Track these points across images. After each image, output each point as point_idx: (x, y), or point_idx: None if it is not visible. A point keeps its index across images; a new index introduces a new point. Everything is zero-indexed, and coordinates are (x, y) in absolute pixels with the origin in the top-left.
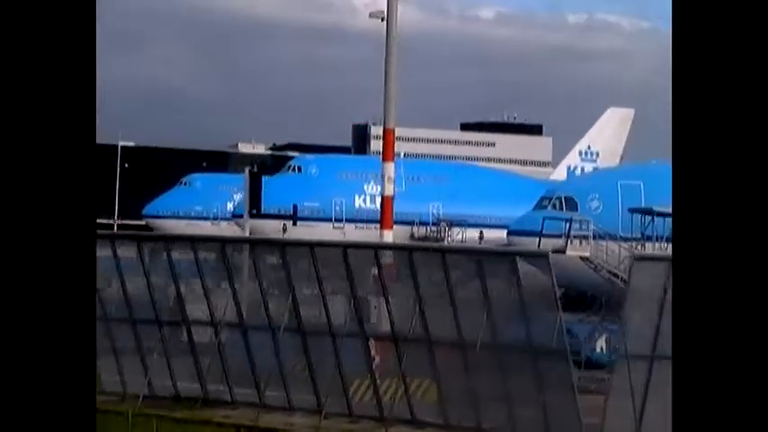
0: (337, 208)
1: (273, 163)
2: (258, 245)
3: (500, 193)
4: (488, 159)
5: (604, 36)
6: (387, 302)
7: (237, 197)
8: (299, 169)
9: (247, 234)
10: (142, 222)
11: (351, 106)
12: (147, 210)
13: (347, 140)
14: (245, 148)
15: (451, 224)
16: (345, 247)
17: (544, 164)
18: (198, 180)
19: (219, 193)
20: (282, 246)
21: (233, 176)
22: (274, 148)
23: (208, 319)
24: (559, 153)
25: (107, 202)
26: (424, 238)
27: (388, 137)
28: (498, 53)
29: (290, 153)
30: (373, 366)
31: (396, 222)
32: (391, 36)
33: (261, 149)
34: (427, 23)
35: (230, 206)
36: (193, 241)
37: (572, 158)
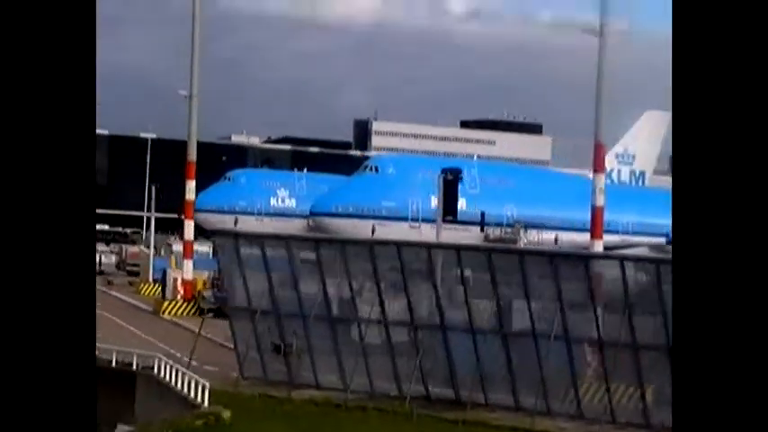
0: (413, 208)
1: (269, 157)
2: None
3: (572, 195)
4: (489, 157)
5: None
6: (527, 306)
7: (282, 193)
8: (377, 169)
9: (437, 239)
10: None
11: (333, 98)
12: (198, 203)
13: (334, 133)
14: (238, 139)
15: (526, 226)
16: (490, 251)
17: (544, 163)
18: (242, 176)
19: (263, 189)
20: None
21: (275, 173)
22: (270, 141)
23: (407, 321)
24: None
25: (132, 195)
26: (499, 240)
27: (599, 151)
28: (469, 49)
29: (287, 147)
30: (589, 371)
31: (469, 223)
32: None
33: (255, 142)
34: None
35: (273, 202)
36: (372, 245)
37: (608, 161)
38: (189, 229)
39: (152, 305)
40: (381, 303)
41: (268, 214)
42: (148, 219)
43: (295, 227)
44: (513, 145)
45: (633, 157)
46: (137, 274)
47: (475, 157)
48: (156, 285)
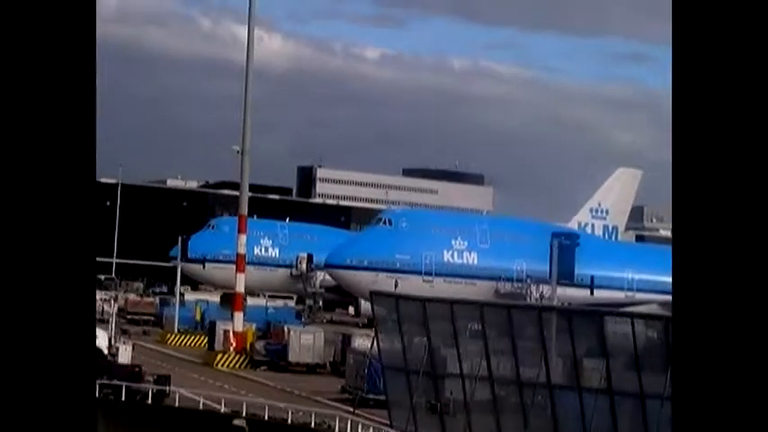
0: (427, 261)
1: (203, 200)
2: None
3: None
4: (431, 206)
5: (488, 82)
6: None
7: (265, 242)
8: (390, 222)
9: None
10: (169, 264)
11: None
12: (173, 252)
13: (267, 179)
14: (174, 183)
15: (537, 281)
16: (570, 313)
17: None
18: (225, 224)
19: (247, 237)
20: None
21: (258, 222)
22: (207, 185)
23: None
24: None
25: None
26: (510, 295)
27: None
28: (382, 94)
29: (222, 191)
30: None
31: (481, 278)
32: None
33: (193, 185)
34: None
35: (257, 251)
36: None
37: (582, 216)
38: (240, 282)
39: (199, 357)
40: (547, 367)
41: (252, 263)
42: (153, 267)
43: (278, 276)
44: (455, 194)
45: (606, 212)
46: (138, 323)
47: (484, 212)
48: (190, 336)
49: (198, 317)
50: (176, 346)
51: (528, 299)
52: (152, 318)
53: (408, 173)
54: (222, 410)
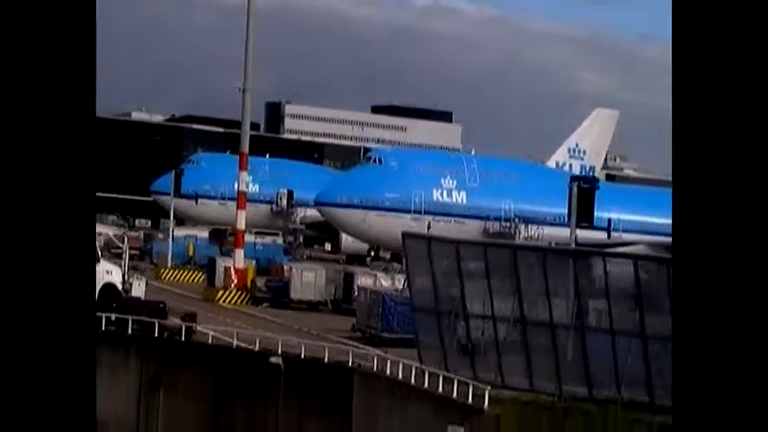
0: (416, 200)
1: (168, 135)
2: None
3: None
4: (399, 143)
5: (451, 21)
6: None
7: (245, 178)
8: (380, 161)
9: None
10: (149, 198)
11: (228, 76)
12: (154, 186)
13: (233, 113)
14: (139, 116)
15: (524, 220)
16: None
17: (455, 149)
18: (204, 160)
19: (226, 173)
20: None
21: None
22: (173, 119)
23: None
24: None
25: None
26: (498, 234)
27: None
28: (354, 32)
29: (194, 125)
30: None
31: (471, 217)
32: None
33: (158, 119)
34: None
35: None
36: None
37: (560, 155)
38: (241, 219)
39: (198, 293)
40: (580, 310)
41: (232, 199)
42: (131, 201)
43: (259, 212)
44: (425, 132)
45: (584, 152)
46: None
47: (472, 152)
48: (183, 271)
49: (190, 252)
50: (171, 281)
51: (517, 238)
52: (137, 252)
53: (377, 110)
54: (256, 348)
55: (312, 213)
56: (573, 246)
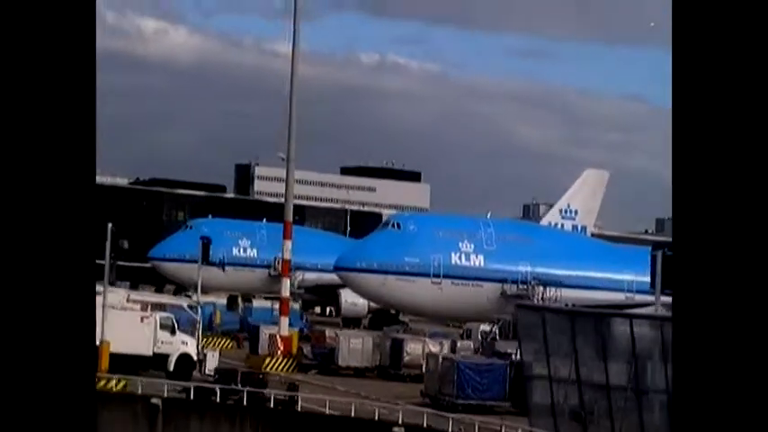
0: (435, 264)
1: (133, 198)
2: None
3: (584, 253)
4: (369, 204)
5: (396, 77)
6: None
7: (243, 242)
8: (399, 226)
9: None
10: (147, 264)
11: (165, 137)
12: (153, 252)
13: (186, 174)
14: (103, 180)
15: (542, 283)
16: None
17: (423, 209)
18: (203, 225)
19: (224, 238)
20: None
21: (236, 222)
22: (138, 182)
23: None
24: None
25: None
26: (516, 296)
27: None
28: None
29: (159, 188)
30: None
31: (488, 280)
32: None
33: (124, 182)
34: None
35: (236, 251)
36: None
37: (552, 216)
38: (285, 286)
39: (240, 361)
40: None
41: (231, 264)
42: (133, 268)
43: (258, 277)
44: (393, 192)
45: (575, 212)
46: None
47: (488, 215)
48: (215, 339)
49: (217, 320)
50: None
51: (535, 301)
52: None
53: (346, 171)
54: (376, 417)
55: (310, 277)
56: (658, 312)
